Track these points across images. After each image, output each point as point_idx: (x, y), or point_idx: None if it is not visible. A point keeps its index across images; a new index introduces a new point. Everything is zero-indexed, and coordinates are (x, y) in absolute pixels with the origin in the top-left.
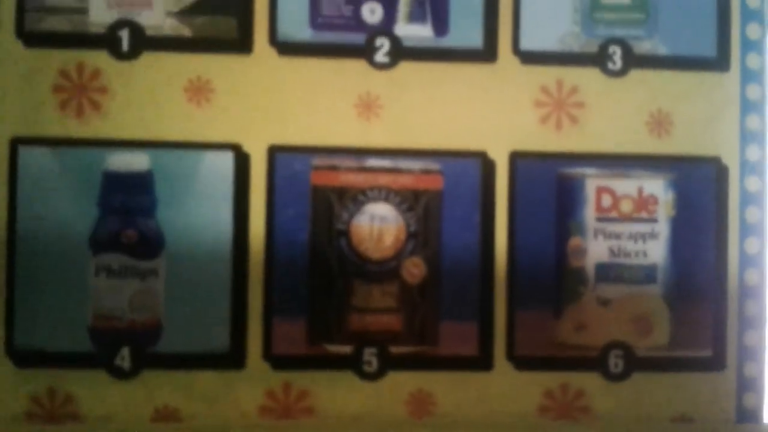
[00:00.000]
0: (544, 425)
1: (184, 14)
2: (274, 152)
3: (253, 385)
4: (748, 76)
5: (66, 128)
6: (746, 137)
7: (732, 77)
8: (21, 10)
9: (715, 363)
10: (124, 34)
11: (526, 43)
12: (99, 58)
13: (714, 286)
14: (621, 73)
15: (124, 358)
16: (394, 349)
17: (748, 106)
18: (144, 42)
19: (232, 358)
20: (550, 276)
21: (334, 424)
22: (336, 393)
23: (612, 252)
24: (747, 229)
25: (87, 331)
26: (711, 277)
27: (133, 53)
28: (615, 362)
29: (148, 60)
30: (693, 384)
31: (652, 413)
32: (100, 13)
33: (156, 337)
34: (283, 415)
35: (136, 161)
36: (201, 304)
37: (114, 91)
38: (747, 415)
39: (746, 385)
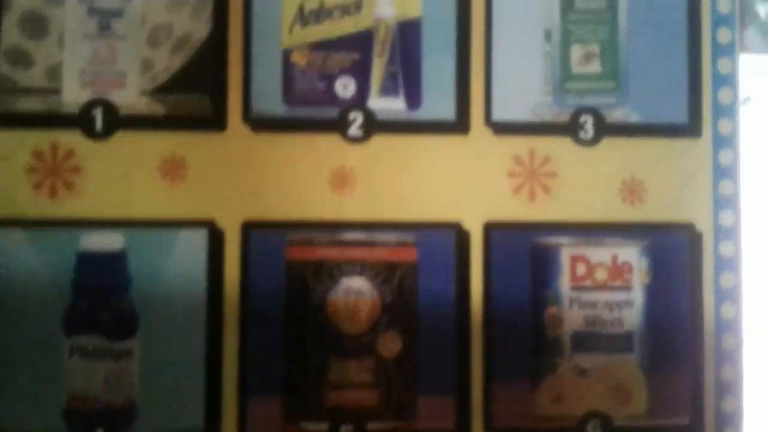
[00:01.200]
0: None
1: (157, 93)
2: (249, 228)
3: None
4: (720, 142)
5: (40, 209)
6: (719, 203)
7: (704, 143)
8: None
9: (693, 430)
10: (98, 114)
11: (498, 114)
12: (72, 138)
13: (690, 353)
14: (593, 141)
15: None
16: (372, 426)
17: (720, 172)
18: (117, 121)
19: None
20: (526, 347)
21: None
22: None
23: (588, 321)
24: (722, 294)
25: (62, 413)
26: (687, 344)
27: (106, 132)
28: None
29: (122, 139)
30: None
31: None
32: (73, 93)
33: (131, 418)
34: None
35: (110, 241)
36: (176, 383)
37: (87, 171)
38: None
39: None
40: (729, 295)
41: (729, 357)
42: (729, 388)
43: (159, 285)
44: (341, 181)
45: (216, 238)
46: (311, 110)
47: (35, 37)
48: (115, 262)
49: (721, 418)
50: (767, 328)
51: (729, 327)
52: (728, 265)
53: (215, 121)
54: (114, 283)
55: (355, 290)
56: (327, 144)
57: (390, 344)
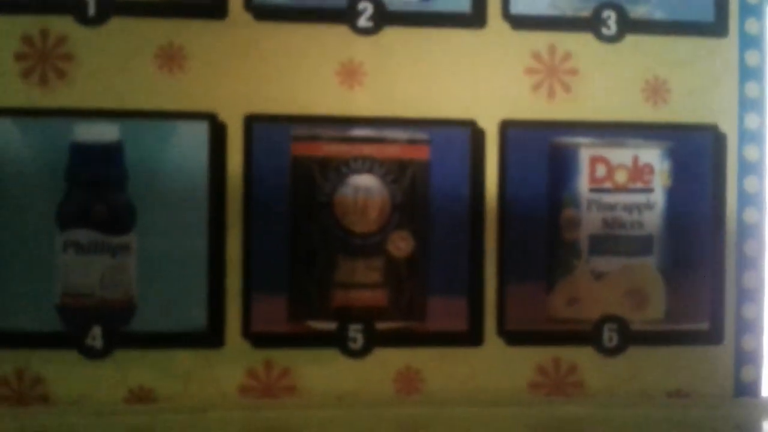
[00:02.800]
0: (535, 401)
1: None
2: (252, 122)
3: (232, 363)
4: (747, 42)
5: (29, 98)
6: (745, 105)
7: (730, 43)
8: None
9: (712, 336)
10: None
11: (517, 7)
12: (64, 24)
13: (711, 258)
14: (616, 38)
15: (95, 337)
16: (381, 325)
17: (746, 73)
18: (112, 6)
19: (210, 336)
20: (542, 249)
21: (318, 403)
22: (320, 371)
23: (606, 223)
24: (745, 199)
25: (55, 310)
26: (708, 248)
27: (100, 18)
28: (609, 336)
29: (117, 25)
30: (690, 358)
31: (647, 388)
32: None
33: (129, 316)
34: (264, 394)
35: (105, 131)
36: (176, 280)
37: (80, 59)
38: (745, 389)
39: (744, 359)
40: (752, 200)
41: (751, 263)
42: (750, 295)
43: (157, 178)
44: (350, 74)
45: (218, 131)
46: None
47: None
48: (110, 153)
49: (742, 325)
50: None
51: (752, 232)
52: (753, 169)
53: (216, 8)
54: (109, 176)
55: (364, 188)
56: (335, 35)
57: (400, 243)
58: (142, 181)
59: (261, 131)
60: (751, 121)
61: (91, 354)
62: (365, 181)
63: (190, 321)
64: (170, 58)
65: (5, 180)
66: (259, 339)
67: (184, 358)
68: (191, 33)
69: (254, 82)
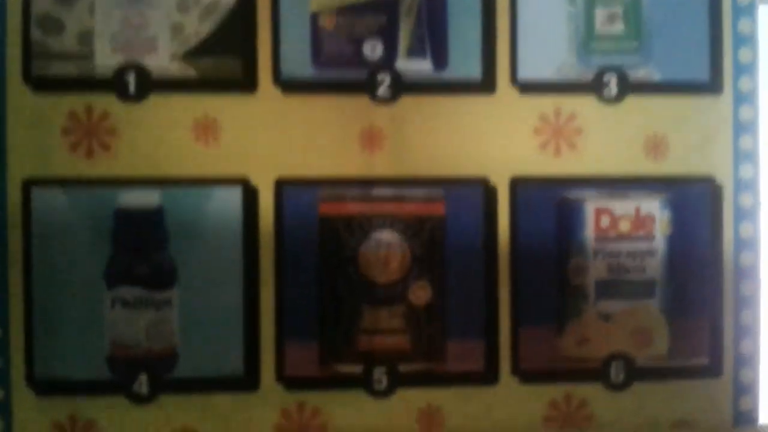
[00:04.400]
0: None
1: (189, 56)
2: (282, 185)
3: (267, 405)
4: (741, 98)
5: (76, 169)
6: (739, 156)
7: (725, 100)
8: (27, 57)
9: (712, 370)
10: (131, 77)
11: (524, 74)
12: (107, 101)
13: (710, 298)
14: (617, 99)
15: (142, 383)
16: (403, 368)
17: (740, 127)
18: (150, 84)
19: (247, 380)
20: (552, 294)
21: None
22: (348, 411)
23: (611, 269)
24: (741, 244)
25: (105, 361)
26: (707, 290)
27: (140, 95)
28: (616, 373)
29: (156, 101)
30: (691, 390)
31: (652, 420)
32: (105, 58)
33: (172, 364)
34: None
35: (147, 198)
36: (215, 330)
37: (122, 132)
38: (743, 418)
39: (742, 390)
40: (748, 244)
41: (747, 302)
42: (747, 332)
43: (196, 239)
44: (370, 139)
45: (250, 195)
46: (340, 72)
47: (66, 3)
48: (152, 218)
49: (739, 360)
50: None
51: (747, 274)
52: (747, 215)
53: (246, 83)
54: (151, 238)
55: (386, 243)
56: (356, 104)
57: (420, 292)
58: (182, 242)
59: (290, 193)
60: (745, 171)
61: (138, 399)
62: (386, 236)
63: (228, 367)
64: (205, 129)
65: (58, 244)
66: (291, 382)
67: (223, 401)
68: (224, 106)
69: (283, 149)
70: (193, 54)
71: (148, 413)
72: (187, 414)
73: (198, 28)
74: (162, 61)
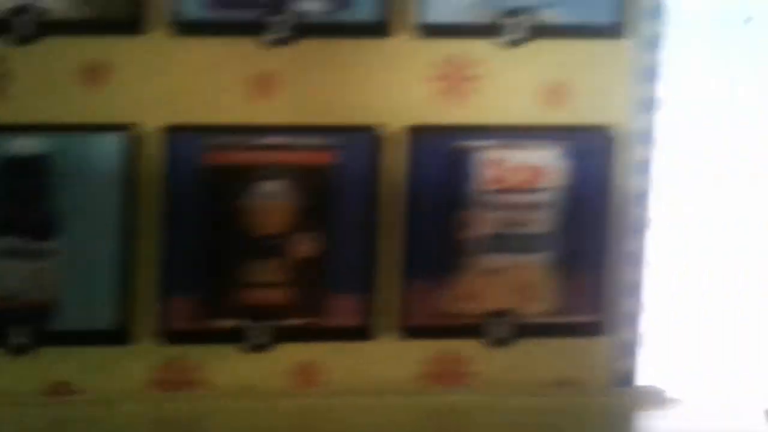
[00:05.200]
0: (427, 391)
1: None
2: (168, 132)
3: (145, 359)
4: (644, 45)
5: None
6: (638, 106)
7: (627, 45)
8: None
9: (597, 328)
10: (21, 19)
11: (424, 17)
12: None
13: (598, 255)
14: (518, 44)
15: (19, 335)
16: (283, 322)
17: (643, 75)
18: (42, 26)
19: (124, 334)
20: (438, 247)
21: (224, 396)
22: (226, 365)
23: (502, 222)
24: (631, 198)
25: None
26: (596, 246)
27: (30, 38)
28: (499, 329)
29: (47, 44)
30: (576, 349)
31: (533, 378)
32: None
33: (50, 315)
34: (173, 387)
35: (27, 146)
36: (95, 282)
37: (14, 77)
38: (622, 379)
39: (622, 350)
40: (641, 199)
41: (635, 260)
42: (631, 290)
43: (78, 188)
44: (262, 85)
45: (134, 142)
46: (233, 13)
47: None
48: (33, 166)
49: (625, 318)
50: (676, 233)
51: (636, 230)
52: (643, 168)
53: (137, 25)
54: (32, 187)
55: (271, 193)
56: (249, 48)
57: (304, 245)
58: (66, 191)
59: (176, 141)
60: (644, 121)
61: (15, 351)
62: (272, 187)
63: (105, 320)
64: (93, 73)
65: None
66: (170, 336)
67: (100, 355)
68: (114, 49)
69: (172, 94)
70: None
71: (24, 366)
72: (64, 367)
73: None
74: (55, 2)
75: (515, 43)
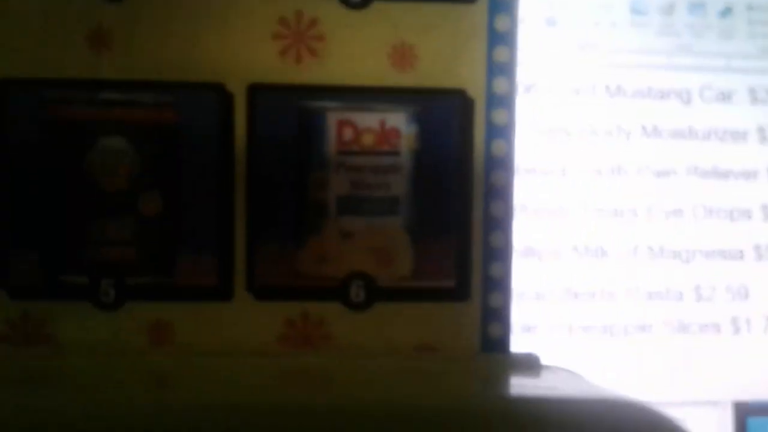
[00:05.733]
0: (284, 353)
1: None
2: (5, 86)
3: None
4: (497, 6)
5: None
6: (493, 70)
7: (479, 8)
8: None
9: (458, 293)
10: None
11: None
12: None
13: (458, 219)
14: (362, 4)
15: None
16: (131, 280)
17: (496, 38)
18: None
19: None
20: (291, 209)
21: (73, 352)
22: (75, 322)
23: (354, 185)
24: (493, 162)
25: None
26: (455, 210)
27: None
28: (356, 292)
29: None
30: (436, 314)
31: (394, 342)
32: None
33: None
34: (21, 342)
35: None
36: None
37: None
38: (492, 345)
39: (491, 316)
40: (500, 163)
41: (498, 224)
42: (497, 255)
43: None
44: (99, 40)
45: None
46: None
47: None
48: None
49: (489, 283)
50: (536, 195)
51: (499, 194)
52: (500, 132)
53: None
54: None
55: (114, 150)
56: (84, 2)
57: (150, 203)
58: None
59: (13, 95)
60: (499, 85)
61: None
62: (115, 143)
63: None
64: None
65: None
66: (14, 292)
67: None
68: None
69: (7, 48)
70: None
71: None
72: None
73: None
74: None
75: (358, 5)
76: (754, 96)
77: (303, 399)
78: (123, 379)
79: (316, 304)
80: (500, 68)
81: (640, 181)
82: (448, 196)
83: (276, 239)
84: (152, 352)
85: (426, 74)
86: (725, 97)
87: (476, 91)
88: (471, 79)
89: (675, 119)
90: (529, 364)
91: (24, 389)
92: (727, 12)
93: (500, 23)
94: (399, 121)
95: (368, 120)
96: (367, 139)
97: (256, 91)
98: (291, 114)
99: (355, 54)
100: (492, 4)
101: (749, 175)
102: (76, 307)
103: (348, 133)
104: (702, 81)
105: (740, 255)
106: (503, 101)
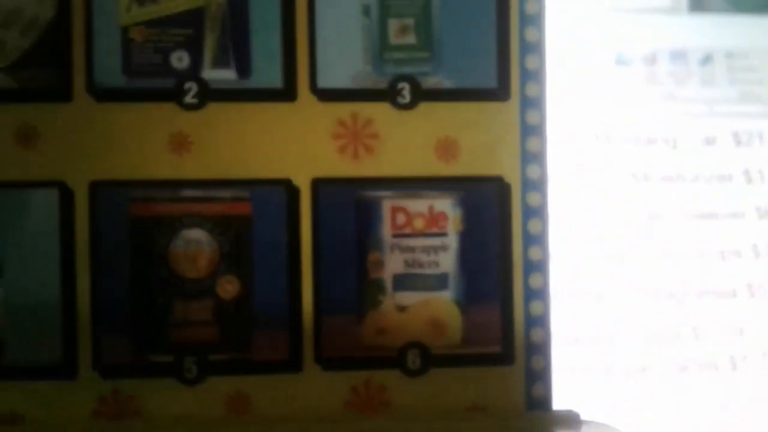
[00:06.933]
0: (349, 418)
1: (10, 70)
2: (95, 187)
3: (85, 391)
4: (528, 104)
5: None
6: (527, 158)
7: (512, 105)
8: None
9: (504, 358)
10: None
11: (323, 82)
12: None
13: (501, 290)
14: (410, 106)
15: None
16: (212, 357)
17: (528, 130)
18: None
19: (66, 369)
20: (352, 286)
21: (159, 425)
22: (160, 397)
23: (407, 263)
24: (530, 239)
25: None
26: (498, 282)
27: None
28: (413, 360)
29: None
30: (485, 377)
31: (448, 404)
32: None
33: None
34: (113, 418)
35: None
36: (37, 322)
37: None
38: (536, 404)
39: (534, 377)
40: (536, 240)
41: (537, 294)
42: (537, 321)
43: (16, 239)
44: (179, 144)
45: (66, 196)
46: (149, 81)
47: None
48: None
49: (531, 348)
50: (570, 267)
51: (536, 267)
52: (535, 212)
53: (62, 93)
54: None
55: (195, 240)
56: (165, 112)
57: (228, 286)
58: (4, 241)
59: (103, 195)
60: (532, 171)
61: None
62: (195, 235)
63: (49, 357)
64: (25, 137)
65: None
66: (107, 371)
67: (45, 388)
68: (42, 114)
69: (97, 153)
70: (14, 67)
71: None
72: (13, 399)
73: (19, 42)
74: None
75: (406, 106)
76: (737, 139)
77: None
78: None
79: (376, 372)
80: (532, 156)
81: (632, 225)
82: (492, 271)
83: (339, 314)
84: (231, 422)
85: (468, 164)
86: (710, 141)
87: (512, 177)
88: (507, 167)
89: (664, 165)
90: (571, 420)
91: None
92: (707, 60)
93: (531, 117)
94: (445, 206)
95: (418, 206)
96: (418, 223)
97: (319, 184)
98: (350, 203)
99: (405, 149)
100: (523, 101)
101: (737, 215)
102: (162, 384)
103: (401, 218)
104: (687, 126)
105: (733, 294)
106: (536, 185)
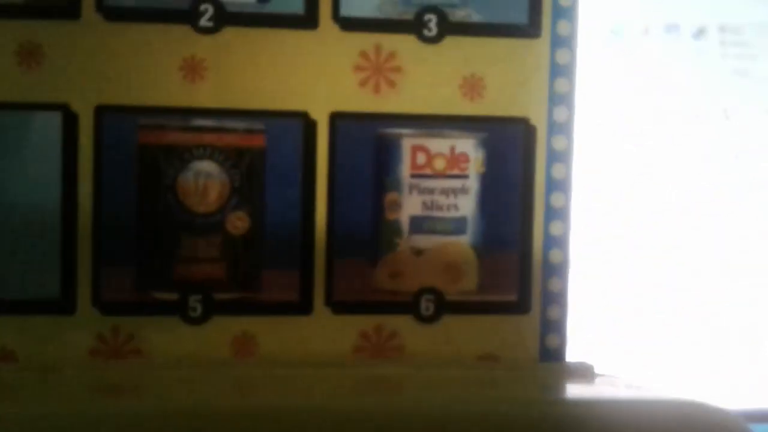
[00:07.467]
0: (359, 363)
1: None
2: (102, 112)
3: (82, 328)
4: (558, 42)
5: None
6: (554, 99)
7: (543, 43)
8: None
9: (520, 306)
10: None
11: (346, 10)
12: None
13: (520, 237)
14: (436, 39)
15: None
16: (218, 296)
17: (557, 70)
18: None
19: (63, 304)
20: (367, 228)
21: (161, 365)
22: (162, 336)
23: (425, 205)
24: (553, 185)
25: None
26: (517, 229)
27: None
28: (426, 306)
29: None
30: (499, 326)
31: (460, 352)
32: None
33: None
34: (111, 356)
35: None
36: (34, 255)
37: None
38: (550, 355)
39: (549, 327)
40: (559, 186)
41: (557, 242)
42: (555, 271)
43: (15, 164)
44: (192, 69)
45: (70, 120)
46: (163, 1)
47: None
48: None
49: (547, 297)
50: (593, 217)
51: (558, 214)
52: (560, 157)
53: (70, 10)
54: None
55: (205, 173)
56: (178, 34)
57: (237, 223)
58: (2, 165)
59: (110, 120)
60: (559, 114)
61: None
62: (205, 167)
63: (45, 290)
64: (29, 55)
65: None
66: (107, 307)
67: (40, 323)
68: (48, 32)
69: (105, 76)
70: None
71: None
72: (4, 335)
73: None
74: None
75: (432, 40)
76: None
77: (375, 405)
78: (211, 392)
79: (388, 317)
80: (560, 98)
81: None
82: (512, 216)
83: (353, 256)
84: (236, 364)
85: (493, 103)
86: None
87: (538, 119)
88: (534, 108)
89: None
90: (584, 372)
91: (112, 399)
92: None
93: (561, 57)
94: (468, 147)
95: (440, 146)
96: (439, 163)
97: (337, 118)
98: (369, 139)
99: (429, 85)
100: (554, 38)
101: None
102: (165, 322)
103: (421, 158)
104: None
105: None
106: (563, 128)
